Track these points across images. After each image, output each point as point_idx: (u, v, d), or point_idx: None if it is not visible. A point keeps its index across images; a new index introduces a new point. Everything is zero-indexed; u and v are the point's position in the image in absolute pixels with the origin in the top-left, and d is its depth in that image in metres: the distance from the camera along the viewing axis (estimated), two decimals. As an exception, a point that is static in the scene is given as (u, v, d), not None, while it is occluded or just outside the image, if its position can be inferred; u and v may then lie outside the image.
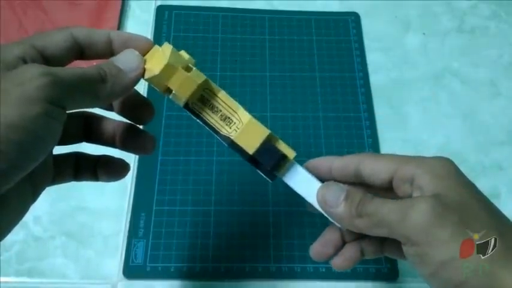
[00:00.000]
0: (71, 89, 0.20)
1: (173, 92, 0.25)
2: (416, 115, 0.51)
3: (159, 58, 0.25)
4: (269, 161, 0.27)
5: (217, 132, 0.27)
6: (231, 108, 0.27)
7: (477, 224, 0.24)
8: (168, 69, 0.25)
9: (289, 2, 0.57)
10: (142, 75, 0.25)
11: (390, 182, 0.28)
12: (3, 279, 0.40)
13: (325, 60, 0.54)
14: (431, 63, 0.55)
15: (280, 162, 0.28)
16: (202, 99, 0.27)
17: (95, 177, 0.28)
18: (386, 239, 0.27)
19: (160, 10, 0.55)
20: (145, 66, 0.25)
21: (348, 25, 0.56)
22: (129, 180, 0.45)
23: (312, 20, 0.56)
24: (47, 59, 0.23)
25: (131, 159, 0.46)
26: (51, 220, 0.43)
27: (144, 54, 0.25)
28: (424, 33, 0.57)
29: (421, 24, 0.57)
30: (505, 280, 0.22)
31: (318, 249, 0.30)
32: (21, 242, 0.42)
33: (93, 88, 0.21)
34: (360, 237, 0.30)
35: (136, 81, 0.24)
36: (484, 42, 0.57)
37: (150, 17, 0.55)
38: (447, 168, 0.26)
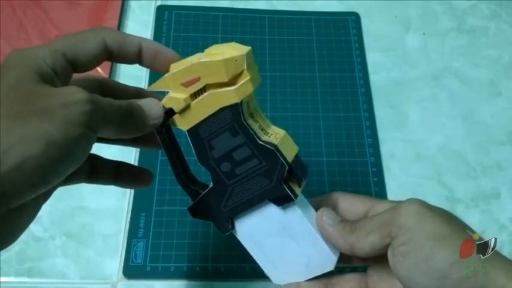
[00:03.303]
0: (106, 117, 0.22)
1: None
2: (416, 115, 0.51)
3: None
4: (302, 172, 0.28)
5: (256, 139, 0.27)
6: (265, 121, 0.29)
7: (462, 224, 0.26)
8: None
9: (289, 2, 0.57)
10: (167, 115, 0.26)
11: (364, 215, 0.30)
12: (3, 279, 0.40)
13: (325, 60, 0.54)
14: (431, 63, 0.55)
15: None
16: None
17: (111, 182, 0.29)
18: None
19: (160, 10, 0.55)
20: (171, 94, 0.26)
21: (348, 25, 0.56)
22: (129, 180, 0.45)
23: (312, 20, 0.56)
24: (76, 67, 0.23)
25: (131, 158, 0.46)
26: (51, 220, 0.43)
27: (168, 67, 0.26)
28: (424, 33, 0.57)
29: (421, 24, 0.57)
30: (496, 277, 0.23)
31: None
32: (21, 242, 0.42)
33: (122, 121, 0.23)
34: None
35: (154, 127, 0.26)
36: (484, 42, 0.57)
37: (150, 17, 0.55)
38: (419, 203, 0.27)
